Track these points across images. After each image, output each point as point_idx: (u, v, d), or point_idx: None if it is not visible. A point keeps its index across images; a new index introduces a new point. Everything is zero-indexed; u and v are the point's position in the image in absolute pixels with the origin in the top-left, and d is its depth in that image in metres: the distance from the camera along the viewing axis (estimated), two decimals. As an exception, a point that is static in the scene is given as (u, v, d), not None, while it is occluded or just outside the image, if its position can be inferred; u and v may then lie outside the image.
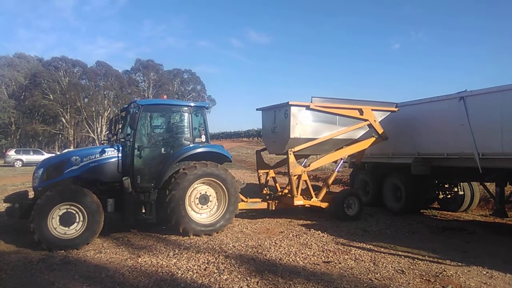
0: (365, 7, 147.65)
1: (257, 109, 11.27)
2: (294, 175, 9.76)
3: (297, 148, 9.83)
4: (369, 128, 10.54)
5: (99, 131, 63.56)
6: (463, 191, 11.51)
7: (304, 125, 9.76)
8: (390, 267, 6.15)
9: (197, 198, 8.20)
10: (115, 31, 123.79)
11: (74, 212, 7.14)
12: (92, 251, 6.93)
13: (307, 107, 9.74)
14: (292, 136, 9.64)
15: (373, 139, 10.59)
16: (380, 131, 10.53)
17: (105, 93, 66.57)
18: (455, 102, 9.33)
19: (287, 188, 10.66)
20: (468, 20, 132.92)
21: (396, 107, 10.82)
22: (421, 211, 11.48)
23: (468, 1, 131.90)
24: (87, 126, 65.05)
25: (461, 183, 11.40)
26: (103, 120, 63.88)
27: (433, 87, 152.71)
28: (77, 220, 7.15)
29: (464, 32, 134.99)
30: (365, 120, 10.35)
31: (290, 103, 9.58)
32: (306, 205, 10.10)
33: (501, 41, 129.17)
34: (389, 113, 10.76)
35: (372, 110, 10.44)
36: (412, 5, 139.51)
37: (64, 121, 64.93)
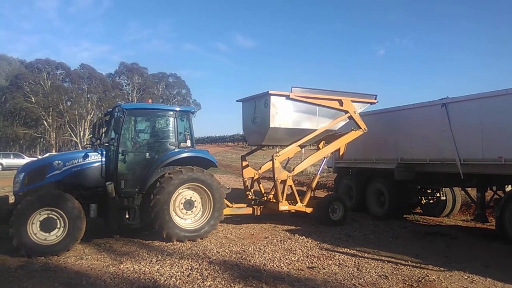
0: (350, 14, 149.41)
1: (237, 101, 11.21)
2: (279, 180, 9.77)
3: (281, 153, 9.86)
4: (349, 119, 10.58)
5: (82, 135, 62.43)
6: (445, 197, 11.68)
7: (284, 115, 9.77)
8: (374, 272, 6.19)
9: (182, 203, 8.12)
10: (99, 34, 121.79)
11: (55, 217, 6.98)
12: (73, 258, 6.79)
13: (287, 97, 9.76)
14: (272, 125, 9.64)
15: (353, 132, 10.56)
16: (360, 122, 10.56)
17: (88, 96, 65.55)
18: (437, 109, 9.51)
19: (272, 193, 10.66)
20: (453, 25, 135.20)
21: (375, 99, 10.90)
22: (404, 216, 11.59)
23: (453, 6, 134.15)
24: (69, 130, 63.81)
25: (443, 189, 11.57)
26: (86, 124, 62.79)
27: (419, 93, 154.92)
28: (58, 225, 6.99)
29: (449, 37, 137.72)
30: (345, 111, 10.39)
31: (270, 92, 9.59)
32: (291, 210, 10.10)
33: (487, 45, 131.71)
34: (368, 104, 10.86)
35: (352, 101, 10.47)
36: (397, 11, 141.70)
37: (46, 125, 63.65)
